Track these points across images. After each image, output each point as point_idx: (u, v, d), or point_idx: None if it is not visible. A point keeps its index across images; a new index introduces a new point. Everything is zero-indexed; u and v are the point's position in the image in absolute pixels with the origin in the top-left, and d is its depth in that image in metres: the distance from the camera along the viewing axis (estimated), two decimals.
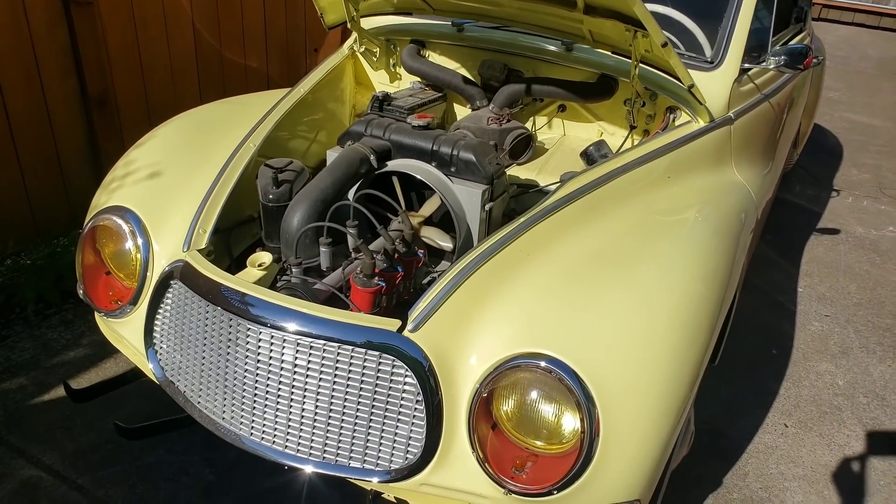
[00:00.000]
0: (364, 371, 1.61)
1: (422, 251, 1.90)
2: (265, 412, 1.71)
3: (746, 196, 2.39)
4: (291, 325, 1.63)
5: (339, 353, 1.62)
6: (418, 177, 2.01)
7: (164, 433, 2.03)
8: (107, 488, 2.26)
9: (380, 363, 1.60)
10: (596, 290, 1.68)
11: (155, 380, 1.94)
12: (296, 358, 1.65)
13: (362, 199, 2.13)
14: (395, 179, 2.07)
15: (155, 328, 1.95)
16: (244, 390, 1.73)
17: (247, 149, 2.17)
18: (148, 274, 2.00)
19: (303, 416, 1.67)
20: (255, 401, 1.72)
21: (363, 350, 1.60)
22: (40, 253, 3.28)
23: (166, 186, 2.12)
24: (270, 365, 1.68)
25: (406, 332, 1.61)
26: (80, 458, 2.41)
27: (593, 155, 2.13)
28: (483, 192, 2.01)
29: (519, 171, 2.43)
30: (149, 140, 2.29)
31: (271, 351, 1.67)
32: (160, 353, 1.95)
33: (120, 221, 2.01)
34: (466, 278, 1.67)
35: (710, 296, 1.78)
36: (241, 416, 1.75)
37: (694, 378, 1.65)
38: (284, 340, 1.64)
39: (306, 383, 1.65)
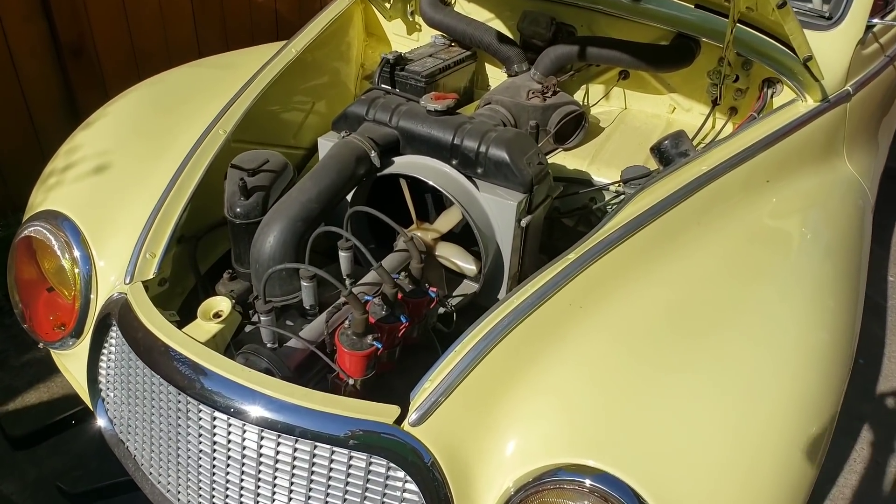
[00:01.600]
0: (350, 472, 1.19)
1: (434, 290, 1.43)
2: (227, 501, 1.31)
3: (860, 193, 1.84)
4: (252, 411, 1.20)
5: (316, 449, 1.19)
6: (432, 183, 1.51)
7: (117, 496, 1.65)
8: None
9: (370, 464, 1.17)
10: (671, 367, 1.20)
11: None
12: (260, 447, 1.23)
13: (360, 215, 1.66)
14: (403, 183, 1.58)
15: (100, 373, 1.55)
16: (199, 472, 1.32)
17: (215, 136, 1.69)
18: (92, 296, 1.58)
19: None
20: (213, 486, 1.31)
21: (346, 449, 1.17)
22: (13, 227, 2.89)
23: (114, 184, 1.66)
24: (230, 450, 1.26)
25: (406, 426, 1.16)
26: (41, 489, 2.08)
27: (669, 152, 1.60)
28: (519, 204, 1.51)
29: (566, 159, 1.91)
30: (98, 120, 1.82)
31: (229, 434, 1.25)
32: (108, 403, 1.55)
33: (49, 233, 1.58)
34: (491, 349, 1.21)
35: (835, 350, 1.30)
36: (199, 501, 1.35)
37: (813, 476, 1.19)
38: (245, 425, 1.22)
39: (275, 477, 1.24)
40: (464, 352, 1.21)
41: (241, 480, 1.27)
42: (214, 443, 1.28)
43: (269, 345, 1.36)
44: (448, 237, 1.63)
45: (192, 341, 1.27)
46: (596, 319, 1.26)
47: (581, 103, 1.99)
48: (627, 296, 1.30)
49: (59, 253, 1.57)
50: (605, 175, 1.84)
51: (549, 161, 1.91)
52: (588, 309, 1.27)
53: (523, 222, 1.54)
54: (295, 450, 1.20)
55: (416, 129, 1.60)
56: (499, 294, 1.65)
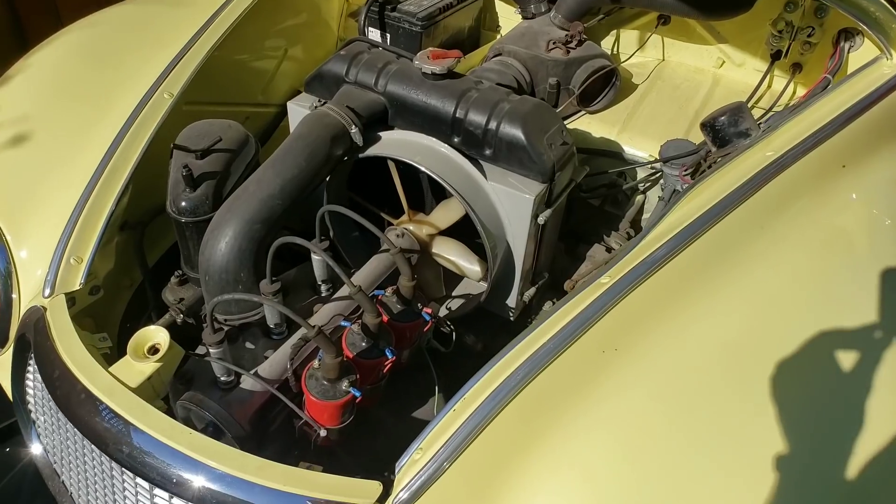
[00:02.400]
0: None
1: (428, 311, 1.15)
2: None
3: None
4: (195, 482, 0.94)
5: None
6: (425, 171, 1.20)
7: None
8: None
9: None
10: (726, 439, 0.93)
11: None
12: None
13: (340, 201, 1.36)
14: (392, 165, 1.27)
15: (27, 392, 1.29)
16: None
17: (159, 100, 1.36)
18: (14, 296, 1.30)
19: None
20: None
21: None
22: None
23: (36, 160, 1.35)
24: None
25: None
26: None
27: (725, 131, 1.28)
28: (536, 197, 1.21)
29: (591, 124, 1.58)
30: (17, 75, 1.47)
31: (171, 500, 1.00)
32: (40, 428, 1.30)
33: None
34: (500, 410, 0.94)
35: None
36: None
37: None
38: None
39: None
40: (466, 413, 0.94)
41: None
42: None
43: (222, 378, 1.09)
44: (449, 229, 1.34)
45: (120, 387, 1.00)
46: (633, 370, 0.98)
47: (611, 55, 1.64)
48: (674, 335, 1.01)
49: None
50: (638, 146, 1.53)
51: (571, 126, 1.59)
52: (624, 354, 0.99)
53: (541, 218, 1.24)
54: None
55: (409, 96, 1.27)
56: (509, 299, 1.37)
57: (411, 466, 0.93)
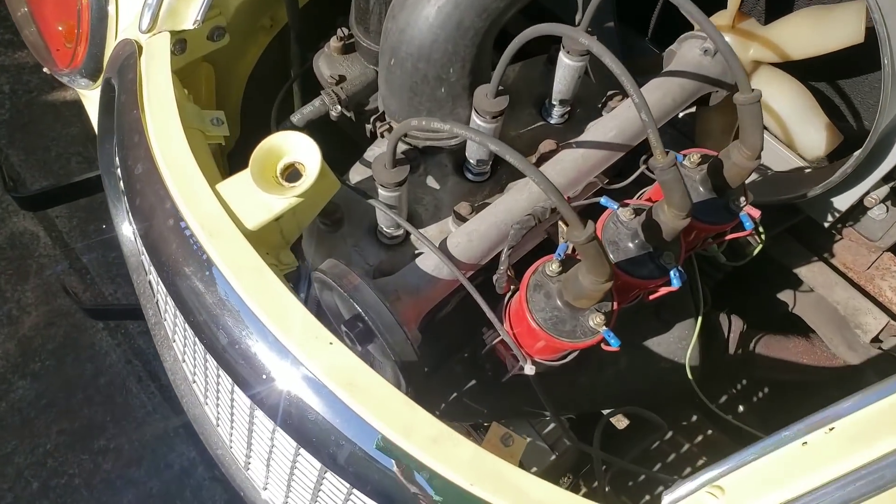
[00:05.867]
0: None
1: (753, 214, 0.63)
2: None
3: None
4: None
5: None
6: None
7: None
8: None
9: None
10: None
11: None
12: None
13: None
14: None
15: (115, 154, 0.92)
16: None
17: None
18: (110, 9, 0.88)
19: None
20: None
21: None
22: None
23: None
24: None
25: None
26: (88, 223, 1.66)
27: None
28: None
29: None
30: None
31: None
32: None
33: None
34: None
35: None
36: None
37: None
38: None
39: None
40: (833, 459, 0.48)
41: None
42: None
43: (387, 230, 0.67)
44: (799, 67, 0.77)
45: (225, 220, 0.58)
46: None
47: None
48: None
49: None
50: None
51: None
52: None
53: None
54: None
55: None
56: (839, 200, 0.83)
57: None
